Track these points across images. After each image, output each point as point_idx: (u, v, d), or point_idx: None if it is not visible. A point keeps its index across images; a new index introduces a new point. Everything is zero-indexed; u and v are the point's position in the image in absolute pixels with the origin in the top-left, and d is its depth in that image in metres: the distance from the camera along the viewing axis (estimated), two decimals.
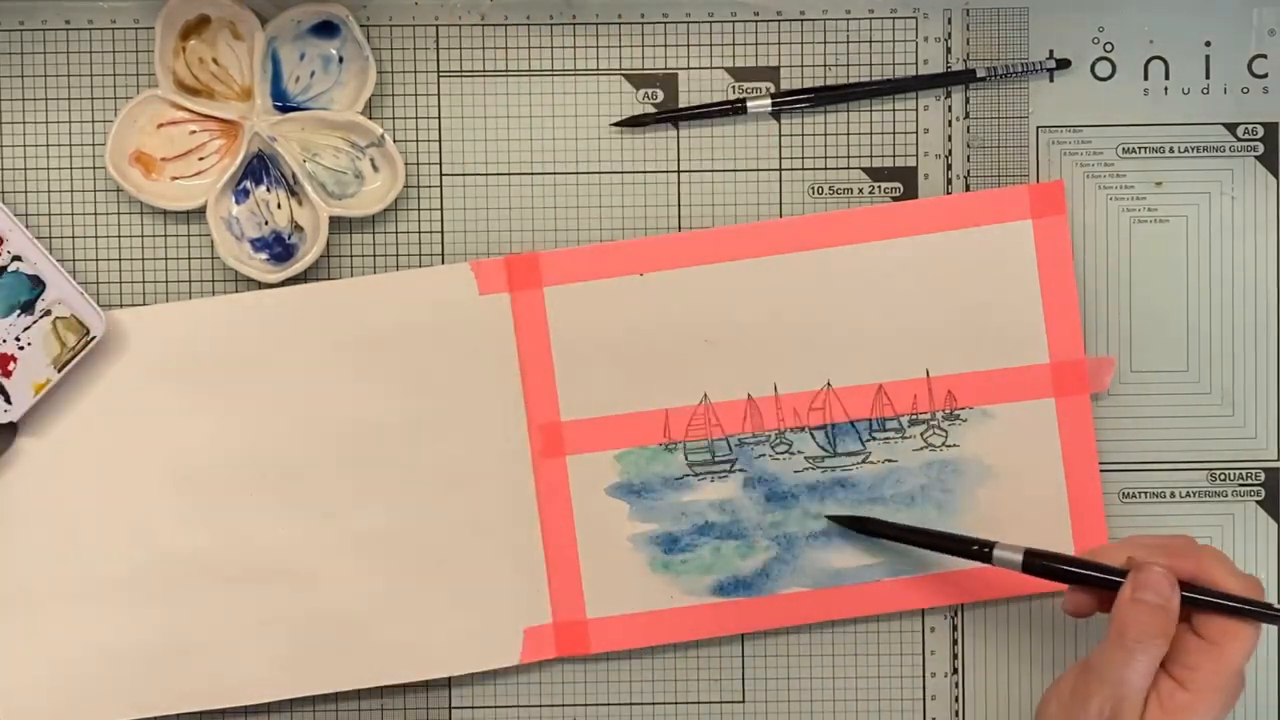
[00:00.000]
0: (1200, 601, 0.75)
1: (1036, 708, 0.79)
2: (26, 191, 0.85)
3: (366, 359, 0.84)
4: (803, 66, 0.86)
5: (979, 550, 0.80)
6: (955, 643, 0.87)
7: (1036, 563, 0.79)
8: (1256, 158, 0.86)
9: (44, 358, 0.83)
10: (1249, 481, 0.87)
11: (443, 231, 0.86)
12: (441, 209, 0.86)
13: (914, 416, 0.85)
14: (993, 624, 0.87)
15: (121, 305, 0.85)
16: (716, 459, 0.85)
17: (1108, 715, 0.75)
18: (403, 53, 0.86)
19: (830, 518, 0.85)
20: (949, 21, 0.86)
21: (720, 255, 0.85)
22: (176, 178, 0.85)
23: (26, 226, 0.84)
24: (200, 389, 0.84)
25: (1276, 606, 0.75)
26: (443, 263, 0.86)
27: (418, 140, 0.86)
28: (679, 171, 0.86)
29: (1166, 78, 0.86)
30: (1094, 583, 0.78)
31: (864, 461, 0.85)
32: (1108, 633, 0.76)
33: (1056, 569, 0.79)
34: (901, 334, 0.85)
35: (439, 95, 0.86)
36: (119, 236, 0.85)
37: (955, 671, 0.87)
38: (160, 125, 0.85)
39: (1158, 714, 0.74)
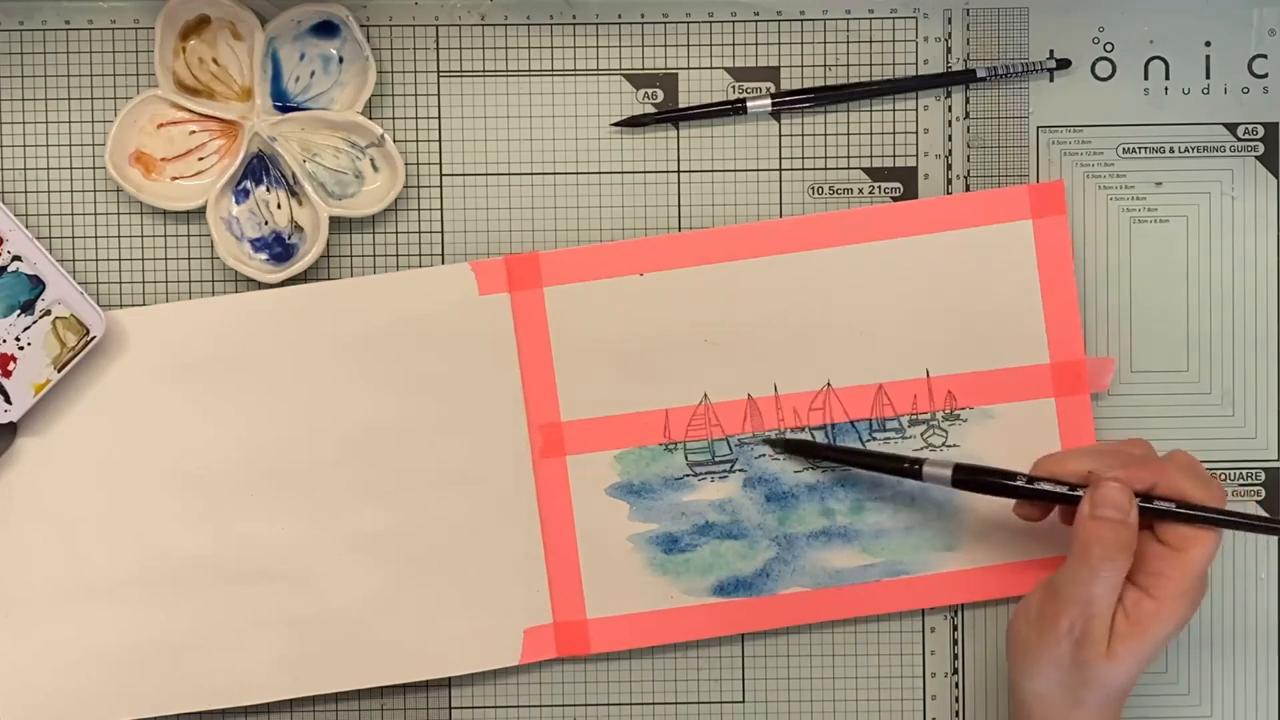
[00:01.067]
0: (1159, 513, 0.76)
1: (1006, 630, 0.80)
2: (26, 191, 0.85)
3: (366, 359, 0.84)
4: (803, 66, 0.86)
5: (909, 467, 0.81)
6: (955, 643, 0.87)
7: (965, 477, 0.80)
8: (1256, 158, 0.86)
9: (44, 358, 0.83)
10: (1249, 481, 0.87)
11: (443, 231, 0.86)
12: (441, 209, 0.86)
13: (914, 416, 0.85)
14: (993, 624, 0.87)
15: (121, 305, 0.85)
16: (716, 459, 0.85)
17: (1078, 632, 0.76)
18: (403, 53, 0.86)
19: (769, 442, 0.85)
20: (949, 21, 0.86)
21: (720, 255, 0.85)
22: (176, 178, 0.85)
23: (26, 226, 0.84)
24: (200, 389, 0.84)
25: (1233, 513, 0.76)
26: (443, 263, 0.86)
27: (418, 140, 0.86)
28: (679, 171, 0.86)
29: (1166, 78, 0.86)
30: (1028, 495, 0.79)
31: None
32: (1070, 550, 0.76)
33: (986, 482, 0.80)
34: (901, 334, 0.85)
35: (439, 95, 0.86)
36: (119, 236, 0.85)
37: (955, 671, 0.87)
38: (160, 125, 0.85)
39: (1124, 624, 0.76)
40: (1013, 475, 0.79)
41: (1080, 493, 0.77)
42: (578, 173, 0.86)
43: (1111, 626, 0.76)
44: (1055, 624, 0.76)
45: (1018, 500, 0.80)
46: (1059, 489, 0.78)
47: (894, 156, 0.86)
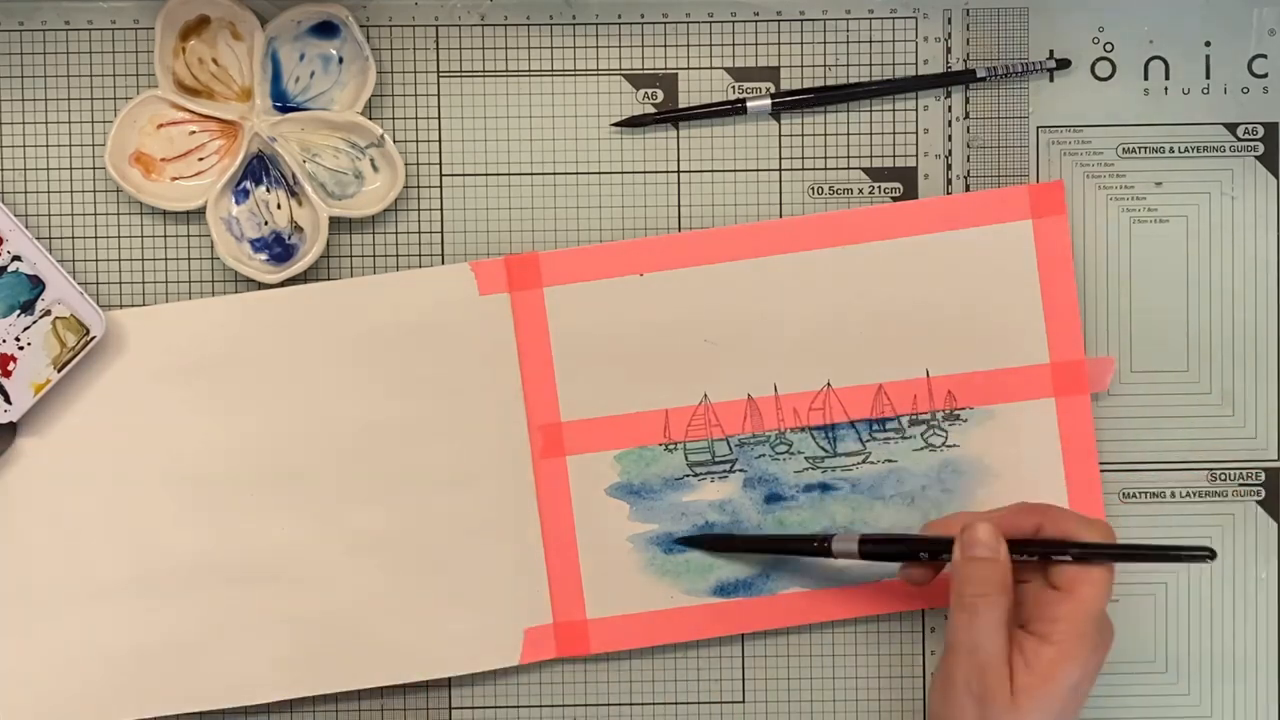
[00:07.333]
0: (1031, 550, 0.76)
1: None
2: (26, 191, 0.85)
3: (366, 359, 0.84)
4: (803, 66, 0.86)
5: (820, 546, 0.82)
6: None
7: (871, 548, 0.80)
8: (1256, 158, 0.86)
9: (44, 358, 0.83)
10: (1249, 481, 0.87)
11: (443, 231, 0.86)
12: (441, 209, 0.86)
13: (914, 416, 0.85)
14: None
15: (121, 305, 0.85)
16: (716, 459, 0.85)
17: (976, 688, 0.75)
18: (403, 53, 0.86)
19: (678, 540, 0.85)
20: (949, 21, 0.86)
21: (720, 255, 0.85)
22: (176, 178, 0.85)
23: (26, 226, 0.84)
24: (200, 389, 0.84)
25: (1107, 545, 0.76)
26: (443, 263, 0.86)
27: (418, 140, 0.86)
28: (679, 171, 0.86)
29: (1166, 78, 0.86)
30: (930, 553, 0.79)
31: (864, 462, 0.85)
32: (950, 600, 0.76)
33: (892, 550, 0.80)
34: (901, 334, 0.85)
35: (439, 95, 0.86)
36: (119, 236, 0.85)
37: None
38: (160, 125, 0.85)
39: (1026, 675, 0.75)
40: (916, 540, 0.80)
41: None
42: (578, 173, 0.86)
43: (1013, 679, 0.74)
44: (952, 683, 0.75)
45: (902, 565, 0.81)
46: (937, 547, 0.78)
47: (894, 156, 0.86)
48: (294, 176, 0.84)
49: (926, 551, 0.79)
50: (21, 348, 0.83)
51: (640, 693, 0.87)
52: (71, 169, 0.85)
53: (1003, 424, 0.85)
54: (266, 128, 0.84)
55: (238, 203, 0.85)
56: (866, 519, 0.85)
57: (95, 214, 0.85)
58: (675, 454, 0.85)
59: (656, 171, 0.86)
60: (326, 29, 0.84)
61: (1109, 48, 0.86)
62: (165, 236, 0.85)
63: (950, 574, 0.77)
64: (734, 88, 0.86)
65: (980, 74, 0.86)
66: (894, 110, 0.86)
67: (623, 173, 0.86)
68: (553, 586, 0.85)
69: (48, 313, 0.83)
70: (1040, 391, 0.85)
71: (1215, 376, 0.86)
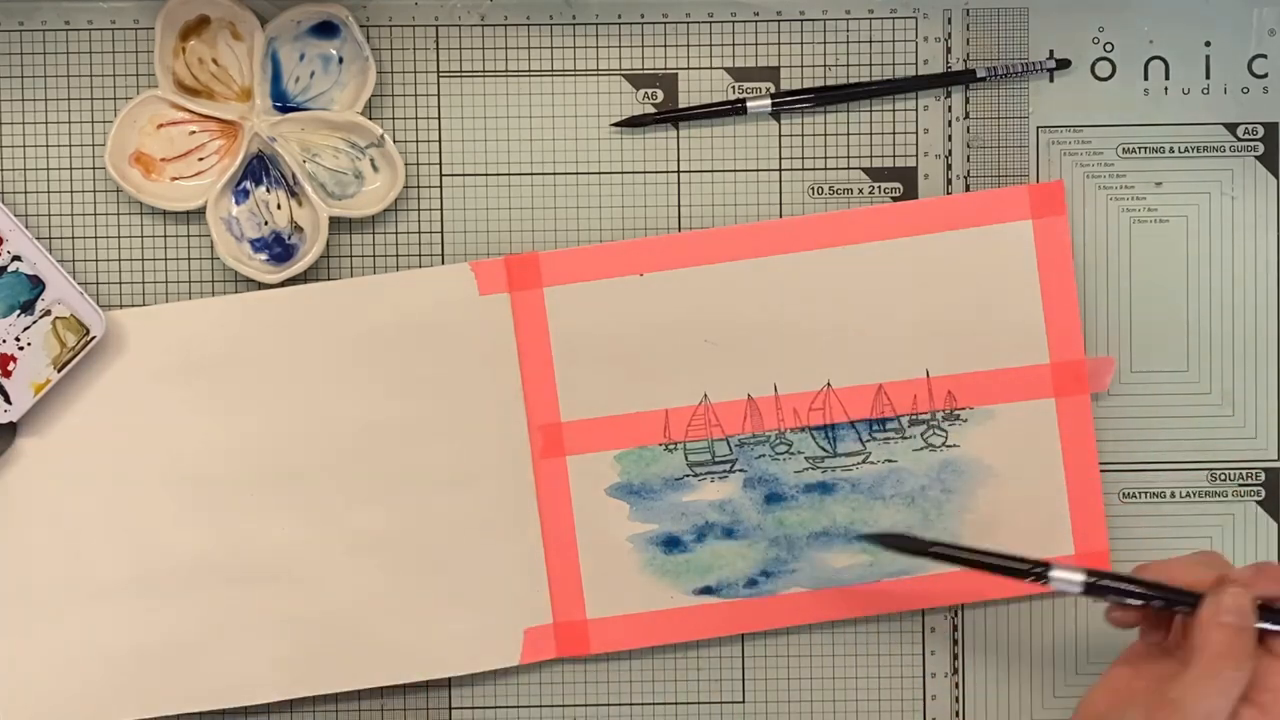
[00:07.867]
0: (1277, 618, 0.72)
1: None
2: (26, 191, 0.85)
3: (366, 359, 0.84)
4: (803, 66, 0.86)
5: (1033, 570, 0.76)
6: (955, 643, 0.87)
7: (1098, 584, 0.75)
8: (1256, 158, 0.86)
9: (44, 358, 0.83)
10: (1249, 481, 0.87)
11: (443, 231, 0.86)
12: (441, 209, 0.86)
13: (914, 416, 0.85)
14: (993, 624, 0.87)
15: (121, 305, 0.85)
16: (716, 459, 0.85)
17: None
18: (403, 53, 0.86)
19: (865, 537, 0.83)
20: (949, 21, 0.86)
21: (720, 255, 0.85)
22: (176, 178, 0.85)
23: (26, 226, 0.84)
24: (200, 389, 0.84)
25: None
26: (443, 263, 0.86)
27: (418, 140, 0.86)
28: (679, 171, 0.86)
29: (1166, 78, 0.86)
30: (1162, 603, 0.74)
31: (864, 462, 0.85)
32: (1193, 661, 0.72)
33: (1121, 589, 0.75)
34: (901, 334, 0.85)
35: (439, 95, 0.86)
36: (119, 236, 0.85)
37: (955, 671, 0.87)
38: (160, 126, 0.85)
39: None
40: (1152, 586, 0.74)
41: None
42: (578, 173, 0.86)
43: None
44: None
45: (1112, 605, 0.76)
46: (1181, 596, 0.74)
47: (894, 156, 0.86)
48: (294, 176, 0.84)
49: (1164, 600, 0.74)
50: (21, 348, 0.83)
51: (640, 693, 0.87)
52: (71, 169, 0.85)
53: (1003, 424, 0.85)
54: (266, 128, 0.84)
55: (238, 203, 0.85)
56: (866, 519, 0.85)
57: (95, 214, 0.85)
58: (675, 454, 0.85)
59: (656, 171, 0.86)
60: (326, 29, 0.84)
61: (1109, 48, 0.86)
62: (165, 236, 0.85)
63: (1194, 630, 0.72)
64: (734, 88, 0.86)
65: (980, 74, 0.86)
66: (894, 110, 0.86)
67: (623, 173, 0.86)
68: (553, 586, 0.85)
69: (48, 313, 0.83)
70: (1040, 391, 0.85)
71: (1215, 376, 0.86)
